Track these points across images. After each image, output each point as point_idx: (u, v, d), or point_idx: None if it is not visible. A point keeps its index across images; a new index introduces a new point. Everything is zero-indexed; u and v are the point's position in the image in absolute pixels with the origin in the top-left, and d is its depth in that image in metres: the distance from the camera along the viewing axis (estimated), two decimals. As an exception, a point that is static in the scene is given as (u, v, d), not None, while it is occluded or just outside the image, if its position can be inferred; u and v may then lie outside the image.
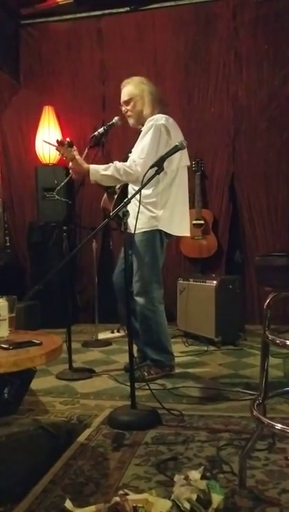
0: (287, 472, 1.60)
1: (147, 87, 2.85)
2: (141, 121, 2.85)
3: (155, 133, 2.67)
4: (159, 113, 2.78)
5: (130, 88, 2.85)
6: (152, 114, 2.79)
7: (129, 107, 2.86)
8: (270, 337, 1.43)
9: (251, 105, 4.51)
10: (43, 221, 4.60)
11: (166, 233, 2.79)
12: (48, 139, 4.56)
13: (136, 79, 2.89)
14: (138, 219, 2.68)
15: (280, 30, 4.41)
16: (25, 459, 1.72)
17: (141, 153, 2.66)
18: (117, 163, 2.66)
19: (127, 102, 2.86)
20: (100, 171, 2.65)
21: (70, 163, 2.70)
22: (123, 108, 2.89)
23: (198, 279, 3.88)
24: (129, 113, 2.87)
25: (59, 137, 4.71)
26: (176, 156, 2.63)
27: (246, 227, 4.54)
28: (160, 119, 2.72)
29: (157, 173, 2.27)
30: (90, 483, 1.57)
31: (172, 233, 2.82)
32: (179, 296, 4.00)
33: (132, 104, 2.84)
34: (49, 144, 2.73)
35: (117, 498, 1.31)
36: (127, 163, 2.68)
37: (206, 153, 4.59)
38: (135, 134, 2.87)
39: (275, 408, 2.20)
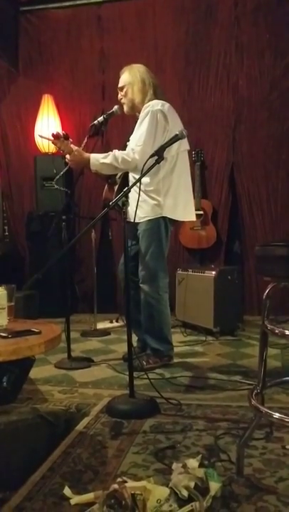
0: (284, 461, 1.62)
1: (141, 74, 2.82)
2: (134, 109, 2.84)
3: (152, 119, 2.66)
4: (155, 99, 2.76)
5: (125, 75, 2.85)
6: (144, 101, 2.77)
7: (122, 94, 2.86)
8: (269, 327, 1.43)
9: (252, 95, 4.48)
10: (41, 211, 4.58)
11: (170, 220, 2.79)
12: (42, 133, 4.55)
13: (133, 66, 2.87)
14: (141, 208, 2.69)
15: (281, 19, 4.36)
16: (24, 447, 1.73)
17: (138, 140, 2.65)
18: (116, 152, 2.66)
19: (121, 89, 2.86)
20: (99, 159, 2.65)
21: (68, 156, 2.69)
22: (118, 96, 2.89)
23: (197, 269, 3.88)
24: (122, 100, 2.86)
25: (58, 127, 4.70)
26: None
27: (246, 218, 4.53)
28: (156, 104, 2.71)
29: (157, 162, 2.27)
30: (88, 470, 1.58)
31: (177, 219, 2.82)
32: (178, 287, 4.01)
33: (124, 91, 2.84)
34: (45, 138, 2.72)
35: (116, 486, 1.32)
36: (126, 152, 2.67)
37: (206, 143, 4.56)
38: (135, 122, 2.85)
39: (273, 398, 2.21)
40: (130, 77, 2.82)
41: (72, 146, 2.68)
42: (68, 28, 4.88)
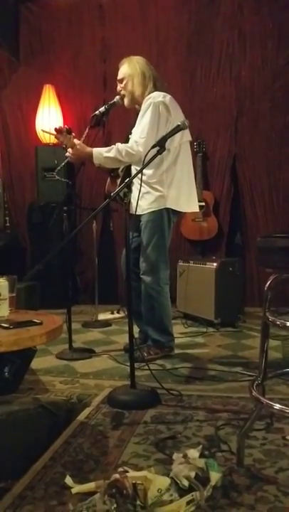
0: (284, 451, 1.63)
1: (140, 67, 2.79)
2: (134, 101, 2.82)
3: (154, 111, 2.64)
4: (155, 91, 2.74)
5: (125, 67, 2.82)
6: (144, 94, 2.75)
7: (122, 86, 2.83)
8: (271, 318, 1.43)
9: (254, 85, 4.44)
10: (43, 201, 4.58)
11: (174, 211, 2.78)
12: (44, 124, 4.53)
13: (133, 58, 2.83)
14: (145, 199, 2.68)
15: (285, 8, 4.31)
16: (25, 437, 1.73)
17: (141, 133, 2.64)
18: (119, 145, 2.64)
19: (120, 81, 2.84)
20: (102, 153, 2.64)
21: (70, 151, 2.68)
22: (118, 87, 2.86)
23: (199, 261, 3.88)
24: (122, 92, 2.83)
25: (59, 117, 4.68)
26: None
27: (247, 210, 4.52)
28: (158, 96, 2.69)
29: (159, 153, 2.25)
30: (89, 460, 1.59)
31: (181, 210, 2.82)
32: (179, 278, 4.01)
33: (124, 83, 2.81)
34: (47, 132, 2.71)
35: (117, 475, 1.32)
36: (129, 144, 2.65)
37: (208, 134, 4.54)
38: (136, 115, 2.83)
39: (274, 389, 2.22)
40: (130, 70, 2.79)
41: (74, 140, 2.66)
42: (69, 17, 4.84)
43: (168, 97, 2.71)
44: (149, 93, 2.73)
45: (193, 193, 2.88)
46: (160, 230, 2.75)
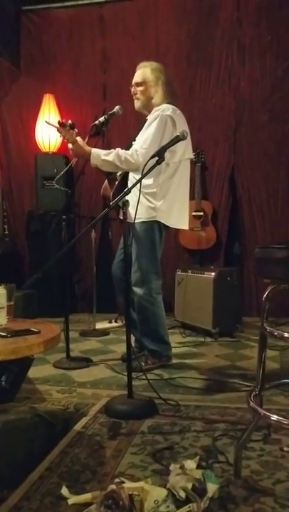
0: (281, 463, 1.62)
1: (164, 76, 2.80)
2: (148, 107, 2.82)
3: (160, 124, 2.64)
4: (168, 103, 2.75)
5: (146, 72, 2.80)
6: (161, 104, 2.75)
7: (139, 90, 2.81)
8: (268, 329, 1.44)
9: (253, 96, 4.48)
10: (42, 210, 4.58)
11: (164, 225, 2.78)
12: (44, 136, 4.53)
13: (154, 64, 2.83)
14: (137, 209, 2.68)
15: (283, 21, 4.36)
16: (22, 446, 1.72)
17: (144, 143, 2.64)
18: (120, 150, 2.64)
19: (139, 84, 2.81)
20: (101, 155, 2.63)
21: (71, 146, 2.67)
22: (133, 89, 2.84)
23: (197, 270, 3.88)
24: (138, 95, 2.82)
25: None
26: (180, 148, 2.61)
27: (246, 219, 4.53)
28: (167, 109, 2.69)
29: (158, 163, 2.26)
30: (86, 470, 1.58)
31: (170, 225, 2.81)
32: (177, 288, 4.01)
33: (143, 87, 2.79)
34: (51, 125, 2.70)
35: (113, 486, 1.32)
36: (129, 152, 2.65)
37: (207, 145, 4.56)
38: (136, 123, 2.85)
39: (271, 400, 2.21)
40: (152, 76, 2.78)
41: (78, 138, 2.64)
42: (70, 28, 4.88)
43: (177, 111, 2.72)
44: (162, 102, 2.74)
45: (185, 211, 2.88)
46: (150, 241, 2.74)
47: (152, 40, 4.68)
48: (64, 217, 3.13)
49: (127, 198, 2.25)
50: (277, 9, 4.38)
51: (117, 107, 2.85)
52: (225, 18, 4.50)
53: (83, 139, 2.77)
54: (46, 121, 2.76)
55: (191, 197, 4.37)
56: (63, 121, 2.66)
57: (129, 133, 2.98)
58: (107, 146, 4.36)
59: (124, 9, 4.74)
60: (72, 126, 2.63)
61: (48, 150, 4.72)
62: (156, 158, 2.25)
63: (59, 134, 2.74)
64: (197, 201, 4.42)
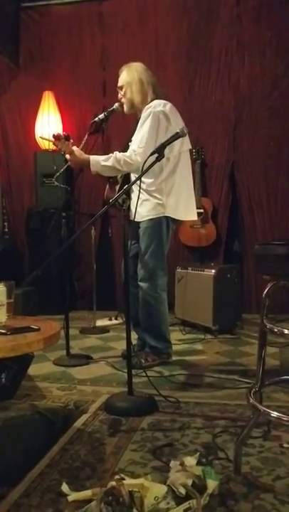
0: (281, 459, 1.62)
1: (139, 74, 2.79)
2: (134, 108, 2.82)
3: (153, 120, 2.64)
4: (156, 99, 2.75)
5: (124, 74, 2.83)
6: (144, 102, 2.75)
7: (122, 93, 2.83)
8: (268, 325, 1.44)
9: (253, 94, 4.47)
10: (41, 207, 4.58)
11: (172, 219, 2.78)
12: (43, 130, 4.54)
13: (132, 65, 2.84)
14: (144, 206, 2.69)
15: (283, 17, 4.35)
16: (22, 444, 1.73)
17: (140, 142, 2.64)
18: (118, 154, 2.64)
19: (120, 88, 2.84)
20: (100, 162, 2.64)
21: (68, 156, 2.68)
22: (119, 94, 2.87)
23: (197, 267, 3.88)
24: (122, 99, 2.84)
25: (58, 124, 4.70)
26: (177, 141, 2.61)
27: (245, 216, 4.53)
28: (158, 105, 2.69)
29: (158, 160, 2.26)
30: (86, 467, 1.59)
31: (179, 218, 2.82)
32: (177, 285, 4.01)
33: (124, 90, 2.82)
34: (46, 139, 2.71)
35: (113, 483, 1.32)
36: (127, 154, 2.65)
37: (207, 142, 4.56)
38: (135, 120, 2.85)
39: (271, 396, 2.21)
40: (128, 77, 2.80)
41: (73, 147, 2.66)
42: (69, 25, 4.87)
43: (168, 105, 2.72)
44: (151, 100, 2.74)
45: (192, 202, 2.89)
46: (158, 237, 2.75)
47: (152, 36, 4.67)
48: (64, 214, 3.13)
49: (131, 197, 2.25)
50: (277, 6, 4.37)
51: (116, 103, 2.86)
52: (225, 15, 4.49)
53: (83, 137, 2.77)
54: (41, 137, 2.78)
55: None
56: (58, 133, 2.67)
57: (128, 130, 2.97)
58: (107, 143, 4.37)
59: (124, 6, 4.72)
60: (67, 138, 2.64)
61: (47, 147, 4.70)
62: (156, 156, 2.24)
63: (55, 147, 2.75)
64: (197, 198, 4.37)
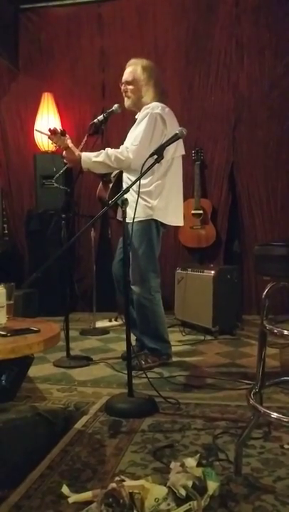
0: (282, 460, 1.62)
1: (155, 74, 2.79)
2: (138, 105, 2.81)
3: (150, 122, 2.64)
4: (157, 101, 2.74)
5: (137, 70, 2.78)
6: (150, 101, 2.75)
7: (130, 88, 2.79)
8: (268, 326, 1.44)
9: (252, 94, 4.47)
10: (41, 209, 4.58)
11: (162, 223, 2.78)
12: (40, 128, 4.54)
13: (145, 62, 2.81)
14: (133, 208, 2.68)
15: (282, 18, 4.35)
16: (22, 445, 1.73)
17: (134, 140, 2.64)
18: (109, 150, 2.63)
19: (129, 83, 2.79)
20: (91, 158, 2.63)
21: (64, 152, 2.68)
22: (123, 87, 2.82)
23: (197, 268, 3.88)
24: (129, 93, 2.80)
25: (57, 125, 4.69)
26: (172, 145, 2.60)
27: (245, 217, 4.53)
28: (156, 107, 2.69)
29: (157, 161, 2.26)
30: (86, 469, 1.59)
31: (167, 223, 2.81)
32: (177, 286, 4.00)
33: (133, 86, 2.77)
34: (42, 133, 2.71)
35: (114, 484, 1.32)
36: (119, 150, 2.64)
37: (206, 143, 4.56)
38: (133, 120, 2.84)
39: (271, 397, 2.21)
40: (144, 75, 2.76)
41: (68, 142, 2.65)
42: (68, 26, 4.87)
43: (166, 109, 2.72)
44: (152, 101, 2.74)
45: (180, 208, 2.88)
46: (148, 240, 2.74)
47: (151, 37, 4.67)
48: (63, 216, 3.13)
49: (126, 197, 2.25)
50: (275, 6, 4.37)
51: (115, 105, 2.85)
52: (224, 16, 4.49)
53: (82, 138, 2.76)
54: (37, 130, 2.78)
55: (191, 195, 4.40)
56: (54, 128, 2.66)
57: (128, 131, 2.97)
58: (106, 145, 4.35)
59: (123, 7, 4.73)
60: (63, 133, 2.64)
61: (47, 149, 4.71)
62: (155, 157, 2.24)
63: (53, 145, 2.74)
64: (196, 199, 4.42)
